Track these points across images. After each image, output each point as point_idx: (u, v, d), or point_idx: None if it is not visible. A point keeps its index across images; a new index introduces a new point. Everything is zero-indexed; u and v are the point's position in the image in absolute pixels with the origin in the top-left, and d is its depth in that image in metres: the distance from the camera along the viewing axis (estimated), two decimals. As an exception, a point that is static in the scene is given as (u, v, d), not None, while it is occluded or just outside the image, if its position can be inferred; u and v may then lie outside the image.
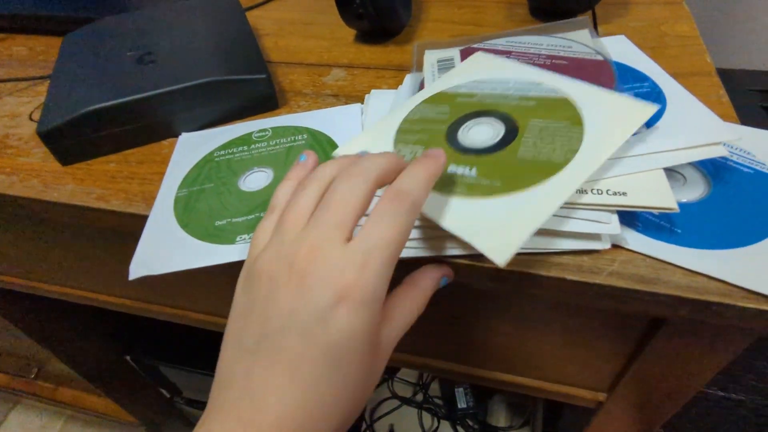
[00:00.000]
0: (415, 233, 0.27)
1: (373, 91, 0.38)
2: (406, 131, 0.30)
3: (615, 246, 0.26)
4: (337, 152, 0.30)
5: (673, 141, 0.28)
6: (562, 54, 0.34)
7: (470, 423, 1.03)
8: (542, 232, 0.26)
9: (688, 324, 0.28)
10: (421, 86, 0.35)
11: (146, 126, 0.36)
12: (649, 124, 0.30)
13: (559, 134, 0.27)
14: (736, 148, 0.31)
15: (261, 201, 0.31)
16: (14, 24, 0.53)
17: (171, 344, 0.82)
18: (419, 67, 0.37)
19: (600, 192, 0.26)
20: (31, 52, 0.50)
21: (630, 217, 0.27)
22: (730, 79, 0.73)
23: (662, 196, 0.25)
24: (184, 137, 0.37)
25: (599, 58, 0.33)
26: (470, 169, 0.26)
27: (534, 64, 0.34)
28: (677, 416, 0.71)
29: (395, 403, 1.07)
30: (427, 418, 1.05)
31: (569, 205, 0.26)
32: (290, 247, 0.20)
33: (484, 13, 0.49)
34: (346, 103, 0.38)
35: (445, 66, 0.35)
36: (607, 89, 0.29)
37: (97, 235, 0.41)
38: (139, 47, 0.40)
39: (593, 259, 0.26)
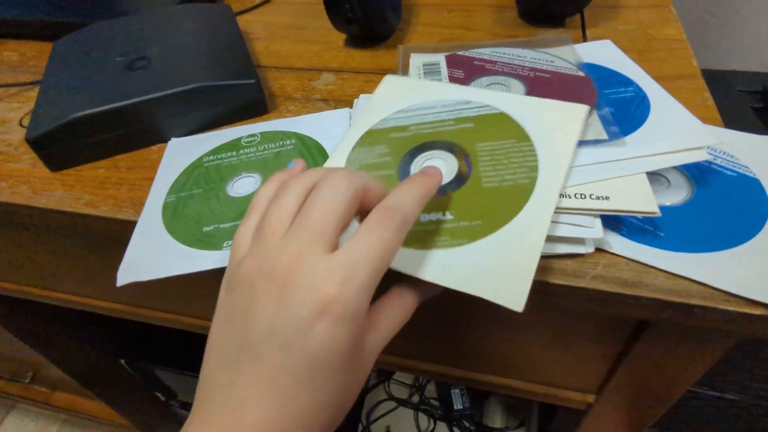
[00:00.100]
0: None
1: (361, 95, 0.38)
2: None
3: (599, 250, 0.26)
4: None
5: (656, 145, 0.28)
6: (545, 68, 0.35)
7: (466, 424, 1.03)
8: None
9: (672, 327, 0.28)
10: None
11: (135, 132, 0.36)
12: (633, 128, 0.30)
13: (512, 154, 0.27)
14: (720, 152, 0.31)
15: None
16: (5, 29, 0.53)
17: (166, 347, 0.82)
18: (405, 70, 0.37)
19: (583, 196, 0.26)
20: (22, 57, 0.50)
21: (614, 221, 0.28)
22: (721, 80, 0.73)
23: (644, 201, 0.26)
24: (174, 143, 0.37)
25: (580, 74, 0.34)
26: (443, 214, 0.26)
27: (518, 76, 0.34)
28: (670, 416, 0.71)
29: (392, 404, 1.07)
30: (423, 419, 1.05)
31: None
32: (271, 254, 0.20)
33: (473, 17, 0.49)
34: (336, 108, 0.38)
35: (430, 70, 0.35)
36: (535, 97, 0.30)
37: (87, 240, 0.41)
38: (129, 53, 0.40)
39: (577, 263, 0.26)
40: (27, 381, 0.87)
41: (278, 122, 0.37)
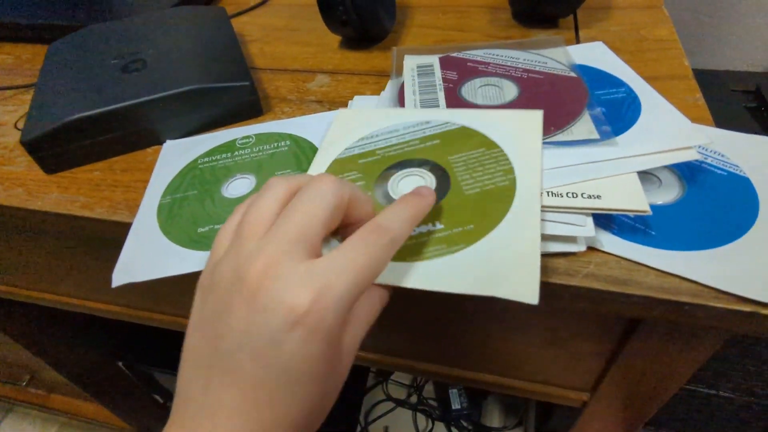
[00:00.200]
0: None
1: (356, 97, 0.38)
2: None
3: (591, 248, 0.27)
4: None
5: (646, 145, 0.28)
6: (538, 69, 0.35)
7: (464, 424, 1.03)
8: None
9: (663, 324, 0.28)
10: (400, 93, 0.35)
11: (131, 134, 0.36)
12: (624, 128, 0.30)
13: (485, 161, 0.28)
14: (711, 151, 0.31)
15: (244, 207, 0.31)
16: (0, 32, 0.53)
17: (164, 349, 0.82)
18: (399, 71, 0.37)
19: (575, 195, 0.26)
20: (16, 60, 0.50)
21: (606, 220, 0.28)
22: (715, 80, 0.74)
23: (635, 199, 0.26)
24: (169, 144, 0.37)
25: (572, 75, 0.34)
26: (433, 224, 0.25)
27: (511, 77, 0.35)
28: (666, 414, 0.72)
29: (390, 405, 1.07)
30: (421, 419, 1.05)
31: (545, 209, 0.26)
32: (246, 259, 0.19)
33: (467, 19, 0.49)
34: (330, 109, 0.38)
35: (424, 72, 0.36)
36: (489, 110, 0.31)
37: (83, 242, 0.41)
38: (124, 55, 0.40)
39: (569, 262, 0.26)
40: (24, 384, 0.87)
41: (273, 124, 0.37)
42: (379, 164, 0.29)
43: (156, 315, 0.49)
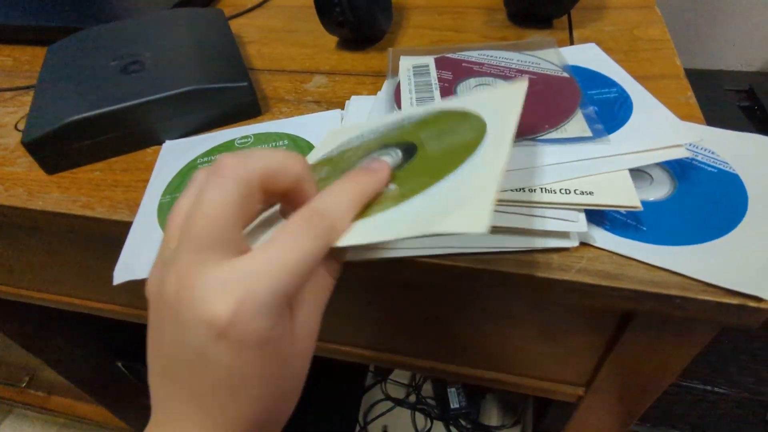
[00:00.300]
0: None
1: (353, 97, 0.39)
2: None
3: (583, 244, 0.27)
4: None
5: (637, 143, 0.29)
6: (531, 69, 0.36)
7: (463, 423, 1.03)
8: (512, 231, 0.27)
9: (654, 318, 0.29)
10: (396, 93, 0.36)
11: (130, 134, 0.37)
12: (616, 127, 0.31)
13: (458, 127, 0.25)
14: (701, 148, 0.32)
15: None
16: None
17: (162, 350, 0.82)
18: (395, 72, 0.38)
19: (568, 192, 0.27)
20: (16, 62, 0.51)
21: (598, 216, 0.28)
22: (709, 79, 0.75)
23: (627, 196, 0.26)
24: (168, 145, 0.37)
25: (565, 75, 0.35)
26: (387, 187, 0.23)
27: (505, 77, 0.35)
28: (663, 411, 0.72)
29: (389, 404, 1.07)
30: (420, 418, 1.06)
31: (538, 204, 0.27)
32: (164, 269, 0.18)
33: (463, 19, 0.50)
34: (327, 109, 0.39)
35: (419, 72, 0.36)
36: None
37: (83, 242, 0.41)
38: (122, 57, 0.40)
39: (562, 257, 0.27)
40: (23, 385, 0.87)
41: (271, 124, 0.38)
42: (359, 152, 0.27)
43: (156, 314, 0.49)
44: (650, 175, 0.31)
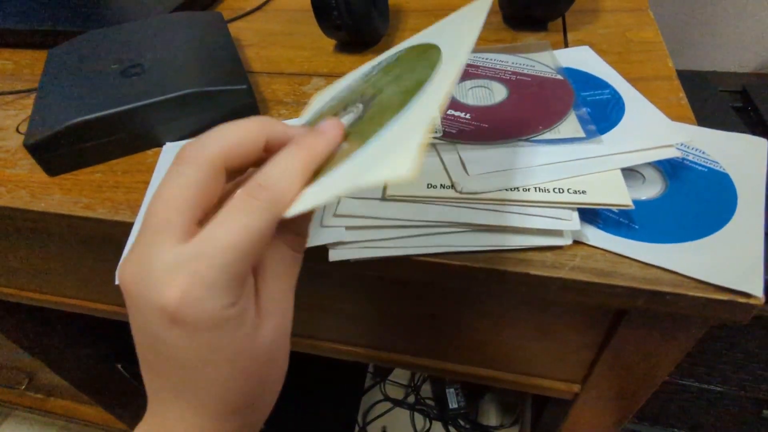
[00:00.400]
0: (384, 234, 0.28)
1: (350, 99, 0.39)
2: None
3: (577, 242, 0.28)
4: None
5: (629, 143, 0.29)
6: (526, 71, 0.36)
7: (462, 423, 1.04)
8: (507, 230, 0.27)
9: (647, 315, 0.29)
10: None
11: (131, 137, 0.37)
12: (609, 128, 0.31)
13: (417, 64, 0.23)
14: (692, 148, 0.32)
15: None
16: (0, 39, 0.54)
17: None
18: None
19: (561, 191, 0.28)
20: (16, 66, 0.51)
21: (591, 215, 0.29)
22: (703, 81, 0.76)
23: (619, 194, 0.27)
24: (168, 147, 0.38)
25: (559, 77, 0.35)
26: (342, 145, 0.21)
27: (500, 79, 0.36)
28: (660, 409, 0.73)
29: (388, 405, 1.08)
30: (419, 419, 1.06)
31: (532, 203, 0.27)
32: (127, 258, 0.18)
33: (459, 22, 0.51)
34: (326, 111, 0.39)
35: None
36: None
37: (85, 243, 0.42)
38: (123, 60, 0.41)
39: (556, 255, 0.27)
40: (23, 388, 0.87)
41: (270, 126, 0.38)
42: (335, 108, 0.26)
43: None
44: (642, 175, 0.32)
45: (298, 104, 0.41)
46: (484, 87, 0.36)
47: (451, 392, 1.03)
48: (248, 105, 0.39)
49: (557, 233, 0.27)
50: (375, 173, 0.17)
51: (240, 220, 0.17)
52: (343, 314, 0.41)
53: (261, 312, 0.19)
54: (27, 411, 0.97)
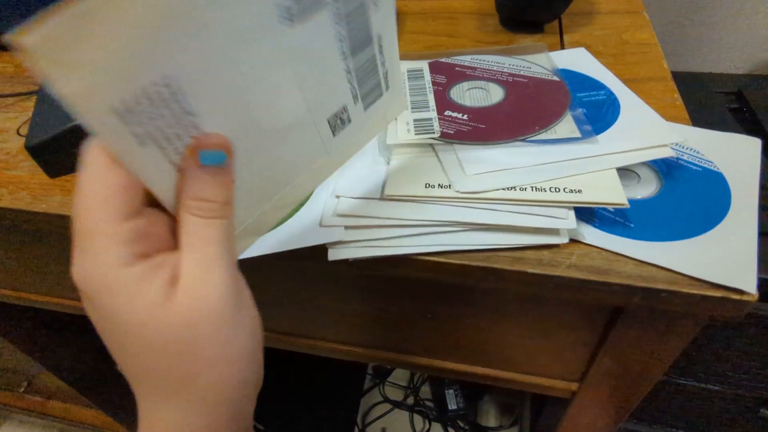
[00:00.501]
0: (383, 233, 0.28)
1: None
2: None
3: (573, 240, 0.28)
4: None
5: (625, 143, 0.30)
6: (522, 73, 0.37)
7: (461, 424, 1.04)
8: (504, 229, 0.28)
9: (643, 312, 0.30)
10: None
11: (132, 138, 0.37)
12: (604, 128, 0.32)
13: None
14: (687, 148, 0.33)
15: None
16: (0, 42, 0.54)
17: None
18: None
19: (557, 190, 0.28)
20: (17, 69, 0.52)
21: (588, 214, 0.29)
22: (699, 82, 0.76)
23: (614, 193, 0.27)
24: (169, 148, 0.38)
25: (555, 78, 0.36)
26: None
27: (497, 81, 0.36)
28: (658, 409, 0.73)
29: (387, 406, 1.08)
30: (418, 420, 1.06)
31: (528, 202, 0.28)
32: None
33: (457, 25, 0.51)
34: (324, 113, 0.40)
35: (414, 76, 0.37)
36: None
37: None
38: (123, 63, 0.41)
39: (553, 253, 0.28)
40: (22, 390, 0.87)
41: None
42: None
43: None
44: (638, 174, 0.32)
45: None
46: (481, 88, 0.36)
47: (450, 393, 1.03)
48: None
49: (554, 232, 0.28)
50: None
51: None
52: (341, 314, 0.42)
53: (178, 283, 0.18)
54: (26, 414, 0.97)
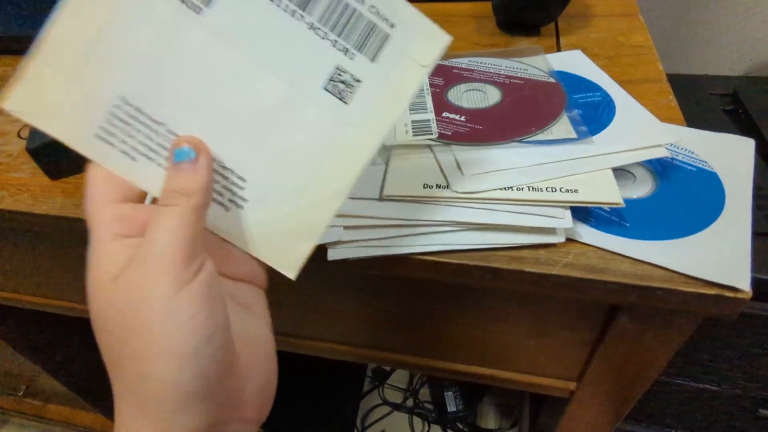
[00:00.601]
0: (381, 233, 0.29)
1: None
2: None
3: (570, 240, 0.29)
4: None
5: (620, 144, 0.30)
6: (519, 75, 0.37)
7: (460, 426, 1.04)
8: (501, 228, 0.28)
9: (639, 310, 0.30)
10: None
11: (132, 140, 0.38)
12: (600, 129, 0.32)
13: None
14: (682, 148, 0.33)
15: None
16: (0, 46, 0.55)
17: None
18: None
19: (553, 189, 0.28)
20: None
21: (584, 213, 0.30)
22: (695, 84, 0.77)
23: (610, 193, 0.28)
24: (169, 150, 0.38)
25: (551, 80, 0.36)
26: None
27: (494, 83, 0.37)
28: (658, 410, 0.73)
29: (386, 409, 1.08)
30: (417, 422, 1.06)
31: (525, 202, 0.28)
32: None
33: (454, 27, 0.51)
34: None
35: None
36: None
37: (86, 247, 0.42)
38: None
39: (550, 253, 0.28)
40: (20, 394, 0.87)
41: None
42: None
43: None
44: (633, 174, 0.32)
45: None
46: (479, 90, 0.36)
47: (449, 395, 1.03)
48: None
49: (550, 231, 0.28)
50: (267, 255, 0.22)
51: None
52: (340, 314, 0.42)
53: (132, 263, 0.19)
54: (25, 418, 0.97)
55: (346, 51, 0.21)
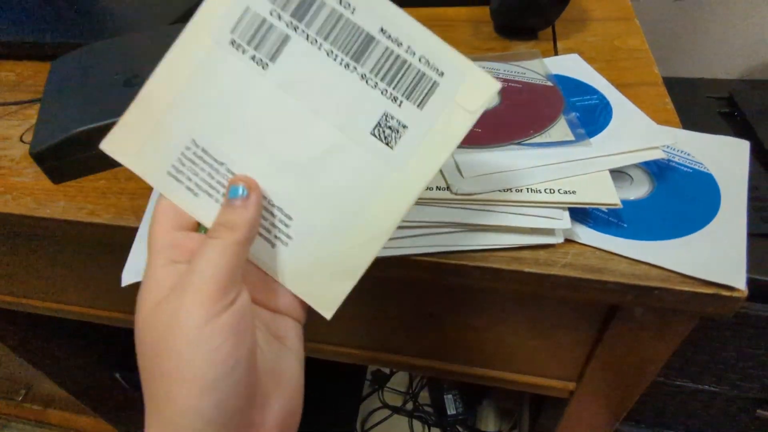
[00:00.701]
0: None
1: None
2: None
3: (569, 240, 0.29)
4: None
5: (617, 146, 0.31)
6: (517, 78, 0.38)
7: (460, 429, 1.04)
8: (500, 229, 0.28)
9: (638, 309, 0.30)
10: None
11: (134, 144, 0.38)
12: (597, 131, 0.33)
13: None
14: (678, 150, 0.34)
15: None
16: (1, 50, 0.55)
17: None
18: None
19: (552, 191, 0.29)
20: (18, 77, 0.52)
21: (582, 214, 0.30)
22: (690, 87, 0.77)
23: (607, 194, 0.28)
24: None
25: (549, 84, 0.37)
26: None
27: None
28: (657, 412, 0.74)
29: (386, 412, 1.08)
30: (417, 425, 1.06)
31: (524, 203, 0.28)
32: None
33: (452, 31, 0.52)
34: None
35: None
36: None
37: (87, 251, 0.42)
38: (126, 70, 0.42)
39: (549, 253, 0.28)
40: (20, 399, 0.87)
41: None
42: None
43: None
44: (630, 176, 0.33)
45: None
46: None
47: (449, 398, 1.03)
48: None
49: (549, 232, 0.28)
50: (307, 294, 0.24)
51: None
52: (340, 316, 0.42)
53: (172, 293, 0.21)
54: (24, 423, 0.96)
55: (394, 99, 0.22)
